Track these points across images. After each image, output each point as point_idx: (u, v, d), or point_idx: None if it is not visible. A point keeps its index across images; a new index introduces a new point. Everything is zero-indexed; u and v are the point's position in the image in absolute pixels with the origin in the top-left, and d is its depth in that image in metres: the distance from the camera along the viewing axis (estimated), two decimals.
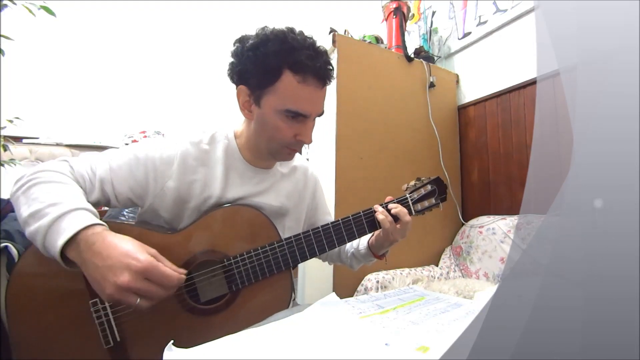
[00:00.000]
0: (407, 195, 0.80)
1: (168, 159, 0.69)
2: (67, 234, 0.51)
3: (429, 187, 0.81)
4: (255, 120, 0.71)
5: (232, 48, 0.70)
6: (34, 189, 0.57)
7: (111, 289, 0.49)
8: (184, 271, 0.56)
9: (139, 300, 0.49)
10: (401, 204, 0.78)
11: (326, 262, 0.99)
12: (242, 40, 0.69)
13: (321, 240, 0.73)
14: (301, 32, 0.68)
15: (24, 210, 0.55)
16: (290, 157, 0.76)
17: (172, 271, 0.52)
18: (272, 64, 0.64)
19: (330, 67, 0.69)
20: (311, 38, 0.68)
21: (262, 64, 0.65)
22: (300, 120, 0.69)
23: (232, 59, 0.71)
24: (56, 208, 0.53)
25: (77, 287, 0.59)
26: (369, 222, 0.76)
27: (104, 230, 0.54)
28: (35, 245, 0.54)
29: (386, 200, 0.78)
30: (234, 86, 0.73)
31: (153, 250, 0.54)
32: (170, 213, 0.70)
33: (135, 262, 0.49)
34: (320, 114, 0.72)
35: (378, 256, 0.84)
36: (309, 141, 0.71)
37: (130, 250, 0.50)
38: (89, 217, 0.55)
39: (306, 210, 0.89)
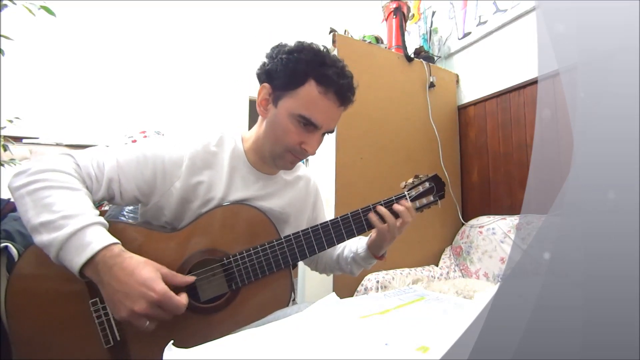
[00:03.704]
0: (406, 193, 0.79)
1: (177, 160, 0.69)
2: (86, 255, 0.53)
3: (427, 184, 0.81)
4: (268, 119, 0.73)
5: (268, 51, 0.73)
6: (42, 193, 0.57)
7: (126, 313, 0.53)
8: (192, 278, 0.61)
9: (148, 323, 0.54)
10: (399, 202, 0.78)
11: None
12: (279, 45, 0.72)
13: (320, 238, 0.73)
14: (335, 55, 0.73)
15: (32, 215, 0.55)
16: (291, 165, 0.76)
17: (182, 300, 0.56)
18: (300, 70, 0.67)
19: (353, 91, 0.72)
20: (342, 62, 0.72)
21: (292, 68, 0.68)
22: (310, 129, 0.70)
23: (265, 60, 0.73)
24: (71, 222, 0.54)
25: (77, 286, 0.59)
26: (367, 220, 0.76)
27: (121, 252, 0.56)
28: (45, 252, 0.55)
29: (383, 200, 0.78)
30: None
31: (165, 270, 0.58)
32: (173, 213, 0.70)
33: (152, 293, 0.53)
34: (331, 131, 0.74)
35: (378, 257, 0.84)
36: (313, 152, 0.72)
37: (147, 279, 0.54)
38: (104, 236, 0.56)
39: (306, 221, 0.89)
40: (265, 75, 0.72)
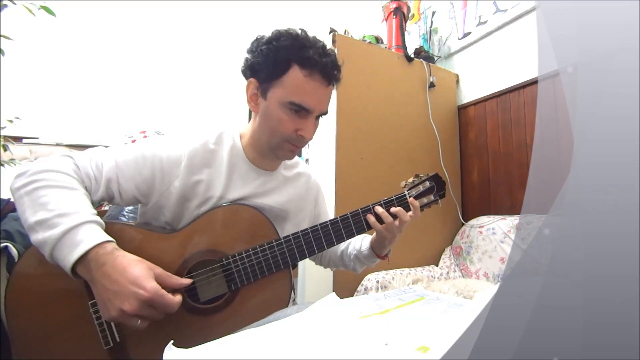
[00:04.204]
0: (406, 192, 0.79)
1: (176, 159, 0.69)
2: (78, 252, 0.52)
3: (427, 183, 0.81)
4: (260, 113, 0.73)
5: (249, 46, 0.73)
6: (40, 192, 0.57)
7: (116, 312, 0.52)
8: (189, 281, 0.59)
9: (139, 322, 0.53)
10: (399, 201, 0.78)
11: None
12: (257, 38, 0.72)
13: (320, 239, 0.73)
14: (314, 36, 0.72)
15: (29, 214, 0.55)
16: (291, 154, 0.76)
17: (175, 299, 0.55)
18: (282, 58, 0.67)
19: (338, 68, 0.72)
20: (322, 42, 0.71)
21: (273, 57, 0.67)
22: (303, 114, 0.69)
23: (247, 55, 0.73)
24: (65, 220, 0.54)
25: (77, 287, 0.59)
26: (367, 221, 0.76)
27: (113, 250, 0.55)
28: (41, 251, 0.55)
29: (383, 200, 0.78)
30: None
31: (159, 270, 0.57)
32: (172, 212, 0.70)
33: (143, 291, 0.52)
34: (324, 112, 0.73)
35: (381, 256, 0.84)
36: (310, 137, 0.72)
37: (138, 278, 0.52)
38: (98, 233, 0.55)
39: (309, 217, 0.89)
40: (250, 70, 0.72)
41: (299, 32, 0.70)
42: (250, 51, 0.72)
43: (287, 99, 0.67)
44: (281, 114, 0.69)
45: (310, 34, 0.72)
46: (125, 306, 0.51)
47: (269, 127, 0.71)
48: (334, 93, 1.51)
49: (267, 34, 0.71)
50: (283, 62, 0.67)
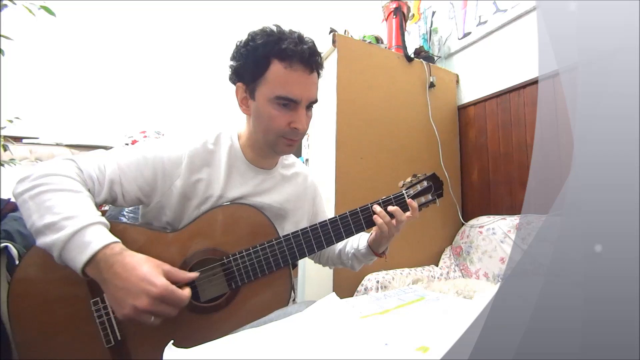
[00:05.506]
0: (404, 192, 0.80)
1: (176, 159, 0.70)
2: (87, 254, 0.53)
3: (425, 183, 0.81)
4: (252, 114, 0.74)
5: (230, 54, 0.74)
6: (45, 196, 0.57)
7: (129, 310, 0.53)
8: (195, 274, 0.61)
9: (153, 318, 0.54)
10: (397, 201, 0.78)
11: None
12: (236, 44, 0.73)
13: (319, 237, 0.73)
14: (290, 29, 0.72)
15: (35, 218, 0.56)
16: (289, 149, 0.76)
17: (185, 293, 0.56)
18: (261, 56, 0.68)
19: (317, 54, 0.72)
20: (298, 32, 0.72)
21: (252, 58, 0.69)
22: (292, 107, 0.70)
23: (230, 62, 0.74)
24: (72, 222, 0.55)
25: (78, 286, 0.59)
26: (366, 219, 0.77)
27: (122, 250, 0.56)
28: (49, 253, 0.55)
29: (381, 199, 0.79)
30: (232, 86, 0.75)
31: (167, 266, 0.58)
32: (173, 212, 0.71)
33: (153, 287, 0.53)
34: (313, 101, 0.73)
35: (378, 254, 0.85)
36: (303, 128, 0.72)
37: (147, 274, 0.54)
38: (105, 235, 0.56)
39: (307, 216, 0.89)
40: (235, 75, 0.74)
41: (274, 27, 0.71)
42: (232, 57, 0.74)
43: (274, 94, 0.68)
44: (271, 110, 0.70)
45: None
46: (137, 303, 0.52)
47: (262, 126, 0.72)
48: (334, 93, 1.52)
49: (244, 37, 0.72)
50: (262, 59, 0.68)
